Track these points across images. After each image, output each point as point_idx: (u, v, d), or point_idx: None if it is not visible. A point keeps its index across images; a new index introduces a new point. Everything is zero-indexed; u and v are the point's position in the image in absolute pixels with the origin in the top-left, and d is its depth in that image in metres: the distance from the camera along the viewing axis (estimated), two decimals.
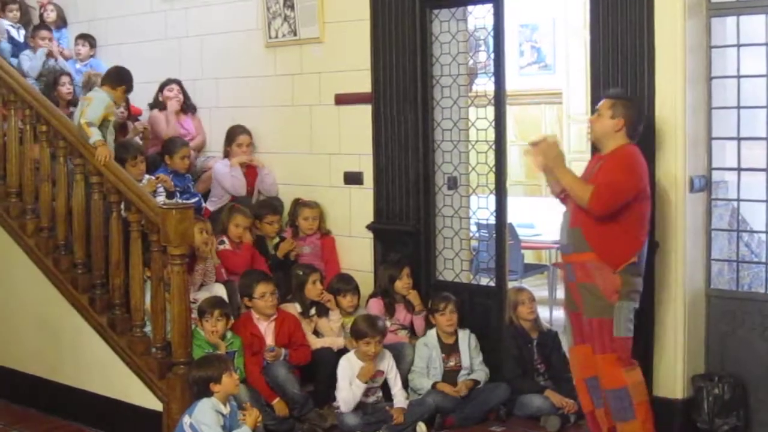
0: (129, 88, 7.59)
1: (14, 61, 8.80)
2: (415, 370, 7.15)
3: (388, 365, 6.93)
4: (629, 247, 5.82)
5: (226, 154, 8.43)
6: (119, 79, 7.47)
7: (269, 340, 6.94)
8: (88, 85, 8.55)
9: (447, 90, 7.61)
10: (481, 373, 7.18)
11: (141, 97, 8.96)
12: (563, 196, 6.15)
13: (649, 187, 5.98)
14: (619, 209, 5.75)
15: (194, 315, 6.63)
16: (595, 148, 6.22)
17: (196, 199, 8.04)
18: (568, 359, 6.37)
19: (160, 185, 7.63)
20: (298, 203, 8.17)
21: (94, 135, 6.87)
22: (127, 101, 8.60)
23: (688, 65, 6.33)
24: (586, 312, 5.90)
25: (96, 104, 7.15)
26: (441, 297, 7.30)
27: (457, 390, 7.00)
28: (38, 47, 9.06)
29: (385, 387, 6.96)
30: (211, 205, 8.25)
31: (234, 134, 8.42)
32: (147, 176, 7.66)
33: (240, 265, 7.57)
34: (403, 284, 7.48)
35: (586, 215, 5.83)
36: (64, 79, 8.61)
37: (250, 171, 8.40)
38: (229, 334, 6.73)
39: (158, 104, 8.83)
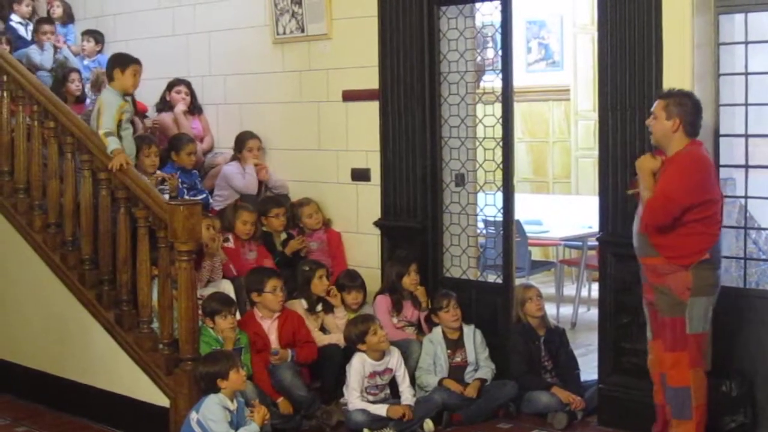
0: (132, 66, 7.15)
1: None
2: (421, 367, 7.15)
3: (396, 363, 6.92)
4: (698, 245, 5.78)
5: (237, 159, 8.43)
6: (117, 63, 7.20)
7: (273, 338, 6.95)
8: (96, 84, 8.57)
9: (454, 87, 7.61)
10: (487, 370, 7.17)
11: (148, 93, 8.97)
12: (632, 193, 6.17)
13: (717, 185, 5.94)
14: (675, 219, 5.72)
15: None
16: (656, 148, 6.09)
17: (204, 195, 8.04)
18: (648, 352, 6.23)
19: (165, 184, 7.58)
20: (294, 206, 8.17)
21: (111, 144, 6.80)
22: (133, 98, 8.59)
23: (695, 62, 6.32)
24: (660, 311, 5.92)
25: (108, 110, 6.97)
26: (442, 295, 7.30)
27: (468, 392, 6.99)
28: (42, 41, 9.07)
29: (392, 384, 6.96)
30: (216, 205, 8.23)
31: (244, 139, 8.41)
32: (158, 172, 7.64)
33: (248, 268, 7.53)
34: (410, 280, 7.47)
35: None
36: (74, 75, 8.60)
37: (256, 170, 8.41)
38: (236, 330, 6.73)
39: (165, 104, 8.83)
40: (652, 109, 5.98)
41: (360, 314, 7.20)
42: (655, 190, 5.78)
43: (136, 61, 7.22)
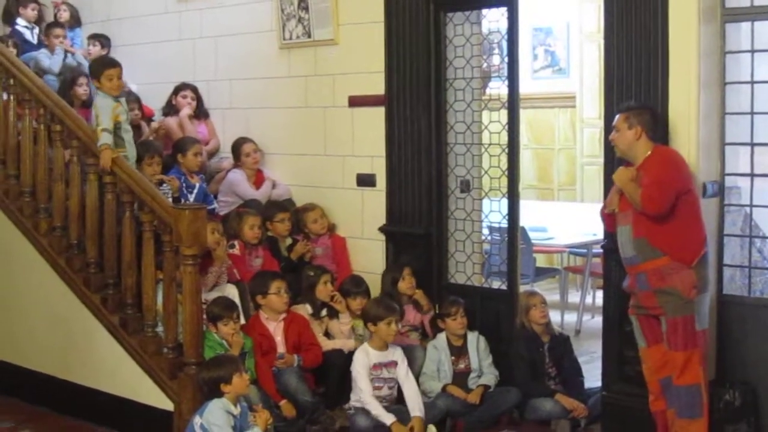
0: (104, 72, 7.12)
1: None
2: (425, 373, 7.13)
3: (399, 356, 6.91)
4: (698, 239, 5.99)
5: (237, 166, 8.46)
6: (93, 72, 7.31)
7: (279, 340, 6.96)
8: None
9: (460, 93, 7.61)
10: (491, 376, 7.16)
11: (155, 98, 8.99)
12: (609, 212, 6.29)
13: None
14: (672, 205, 5.87)
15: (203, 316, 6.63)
16: (627, 161, 6.21)
17: (213, 206, 8.05)
18: (641, 360, 6.29)
19: (164, 185, 7.58)
20: (298, 211, 8.17)
21: (102, 139, 6.86)
22: (139, 102, 8.61)
23: (701, 70, 6.31)
24: (668, 312, 5.96)
25: (103, 112, 7.01)
26: (450, 302, 7.28)
27: (470, 398, 6.97)
28: (53, 45, 9.10)
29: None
30: (220, 210, 8.21)
31: (239, 146, 8.44)
32: (158, 175, 7.65)
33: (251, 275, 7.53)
34: (406, 285, 7.47)
35: (648, 224, 5.94)
36: (82, 80, 8.60)
37: (260, 175, 8.46)
38: (240, 335, 6.74)
39: (171, 108, 8.85)
40: (613, 124, 6.18)
41: (387, 300, 7.17)
42: (644, 184, 5.93)
43: (107, 65, 7.25)
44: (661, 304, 5.96)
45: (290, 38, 8.42)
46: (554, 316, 8.21)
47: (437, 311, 7.41)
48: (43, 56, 9.01)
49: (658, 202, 5.86)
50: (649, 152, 6.03)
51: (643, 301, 6.07)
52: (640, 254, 6.01)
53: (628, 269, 6.16)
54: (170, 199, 7.27)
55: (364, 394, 6.71)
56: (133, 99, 8.57)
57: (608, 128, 6.57)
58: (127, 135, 7.20)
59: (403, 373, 6.89)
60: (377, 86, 7.83)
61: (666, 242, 5.92)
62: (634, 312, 6.20)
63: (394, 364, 6.89)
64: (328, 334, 7.36)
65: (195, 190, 7.96)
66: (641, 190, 5.90)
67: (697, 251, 5.93)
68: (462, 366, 7.19)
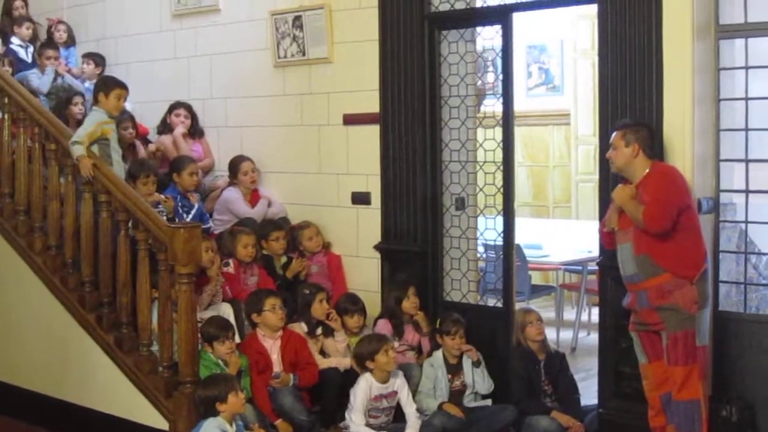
0: (115, 90, 7.12)
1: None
2: (422, 391, 7.12)
3: (400, 384, 6.90)
4: (699, 256, 6.00)
5: (233, 183, 8.46)
6: (102, 86, 7.23)
7: (275, 358, 6.94)
8: None
9: (455, 111, 7.62)
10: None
11: (150, 116, 8.99)
12: (608, 231, 6.28)
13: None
14: (673, 223, 5.88)
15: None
16: (622, 179, 6.23)
17: (209, 225, 8.04)
18: (642, 376, 6.29)
19: (160, 206, 7.56)
20: (294, 229, 8.17)
21: (75, 152, 6.84)
22: (133, 121, 8.59)
23: (696, 87, 6.34)
24: (669, 327, 5.97)
25: (86, 123, 7.04)
26: (453, 320, 7.24)
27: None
28: (45, 66, 9.09)
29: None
30: (215, 229, 8.20)
31: (237, 164, 8.42)
32: (155, 194, 7.63)
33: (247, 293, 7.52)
34: (410, 304, 7.45)
35: (649, 241, 5.95)
36: (77, 98, 8.60)
37: (255, 194, 8.45)
38: (236, 354, 6.72)
39: (165, 127, 8.85)
40: (610, 142, 6.19)
41: (375, 333, 7.19)
42: (645, 202, 5.93)
43: (120, 86, 7.22)
44: (662, 319, 5.96)
45: (285, 57, 8.43)
46: (550, 334, 8.19)
47: (438, 326, 7.36)
48: (33, 76, 8.98)
49: (660, 220, 5.87)
50: (648, 169, 6.04)
51: (645, 317, 6.06)
52: (642, 271, 6.01)
53: (629, 287, 6.16)
54: (165, 219, 7.25)
55: (355, 426, 6.71)
56: (127, 118, 8.56)
57: (603, 145, 6.58)
58: (116, 155, 7.16)
59: (404, 398, 6.89)
60: (372, 104, 7.84)
61: (668, 258, 5.93)
62: (635, 328, 6.19)
63: (395, 393, 6.88)
64: (323, 353, 7.35)
65: (193, 210, 7.94)
66: (643, 208, 5.90)
67: (698, 266, 5.94)
68: (458, 383, 7.17)
